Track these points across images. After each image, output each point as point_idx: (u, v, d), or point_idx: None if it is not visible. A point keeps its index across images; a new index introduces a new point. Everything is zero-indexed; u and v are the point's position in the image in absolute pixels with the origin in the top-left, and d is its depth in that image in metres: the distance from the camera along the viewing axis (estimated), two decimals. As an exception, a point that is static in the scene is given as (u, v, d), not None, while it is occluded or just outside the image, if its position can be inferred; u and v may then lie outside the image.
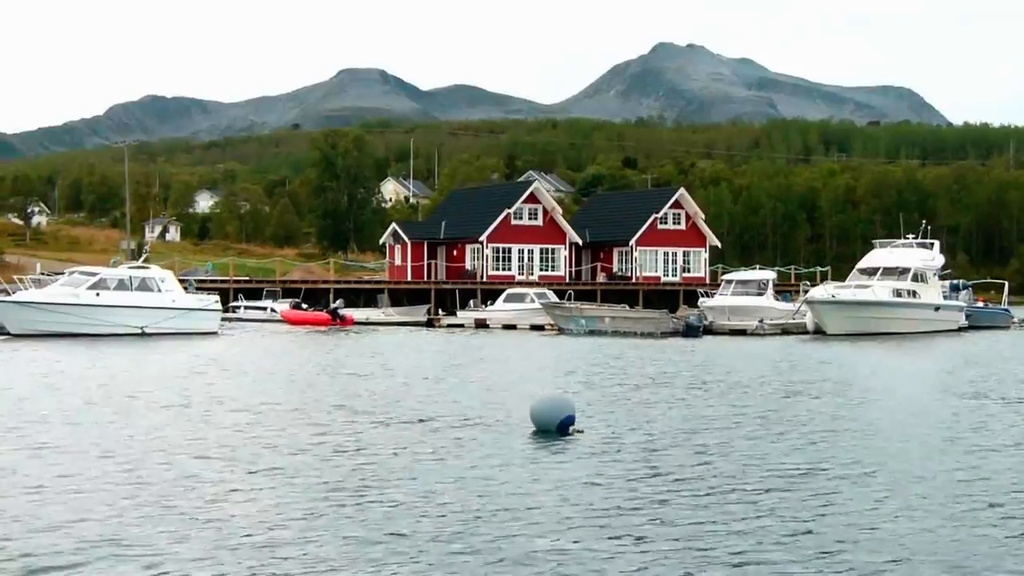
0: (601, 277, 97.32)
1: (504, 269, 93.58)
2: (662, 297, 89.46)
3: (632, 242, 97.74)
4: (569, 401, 21.29)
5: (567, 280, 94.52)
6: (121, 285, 53.04)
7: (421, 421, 22.84)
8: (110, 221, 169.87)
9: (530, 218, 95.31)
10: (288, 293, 77.44)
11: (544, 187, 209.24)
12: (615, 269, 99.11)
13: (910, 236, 68.17)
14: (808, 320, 59.09)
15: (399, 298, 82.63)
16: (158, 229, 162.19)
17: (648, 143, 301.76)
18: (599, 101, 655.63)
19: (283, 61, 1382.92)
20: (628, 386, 30.44)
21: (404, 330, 63.18)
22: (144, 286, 53.33)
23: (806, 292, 61.97)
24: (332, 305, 68.84)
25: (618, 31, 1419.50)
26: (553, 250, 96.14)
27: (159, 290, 53.63)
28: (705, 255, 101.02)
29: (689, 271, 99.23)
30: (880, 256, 66.30)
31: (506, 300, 70.51)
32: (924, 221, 72.08)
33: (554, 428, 20.37)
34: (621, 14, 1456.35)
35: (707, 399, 27.71)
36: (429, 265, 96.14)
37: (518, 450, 18.98)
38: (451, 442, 19.94)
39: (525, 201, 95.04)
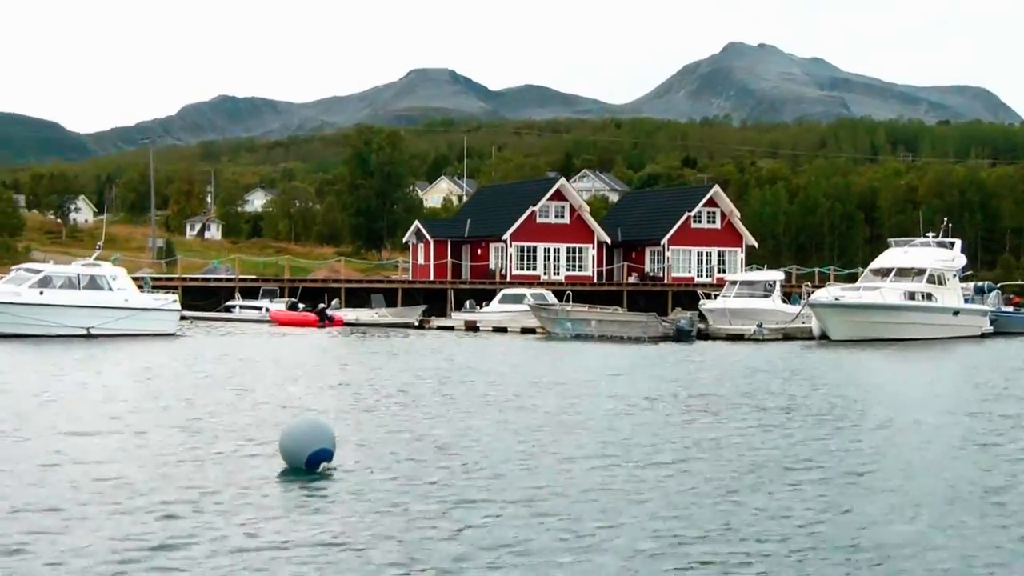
0: (632, 278, 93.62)
1: (529, 269, 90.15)
2: (694, 299, 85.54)
3: (664, 241, 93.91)
4: (323, 430, 16.79)
5: (595, 280, 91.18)
6: (68, 283, 49.91)
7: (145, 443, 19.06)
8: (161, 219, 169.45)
9: (556, 216, 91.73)
10: (291, 292, 74.66)
11: (598, 186, 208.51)
12: (647, 269, 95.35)
13: (930, 234, 63.54)
14: (814, 325, 54.76)
15: (415, 298, 79.53)
16: (198, 227, 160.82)
17: (712, 143, 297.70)
18: (669, 101, 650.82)
19: (354, 61, 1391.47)
20: (481, 402, 26.37)
21: (385, 332, 59.93)
22: (93, 284, 50.26)
23: (810, 294, 57.64)
24: (320, 305, 65.80)
25: (689, 31, 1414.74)
26: (580, 249, 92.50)
27: (110, 288, 50.54)
28: (741, 255, 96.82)
29: (724, 271, 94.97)
30: (894, 256, 61.55)
31: (501, 301, 66.66)
32: (946, 219, 67.11)
33: (302, 464, 16.26)
34: (692, 14, 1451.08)
35: (556, 428, 22.51)
36: (453, 265, 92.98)
37: (210, 499, 14.61)
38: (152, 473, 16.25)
39: (551, 198, 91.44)
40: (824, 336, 53.37)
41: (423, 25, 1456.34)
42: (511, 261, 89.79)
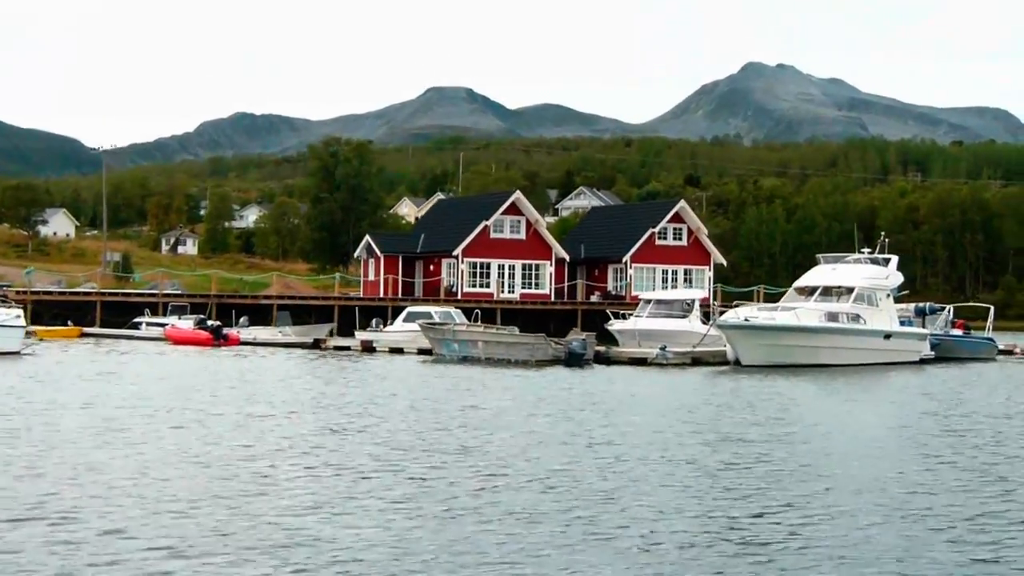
0: (595, 296, 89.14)
1: (482, 286, 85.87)
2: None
3: (626, 258, 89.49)
4: None
5: (552, 298, 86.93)
6: None
7: None
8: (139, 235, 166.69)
9: (512, 231, 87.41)
10: (197, 308, 70.48)
11: (595, 203, 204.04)
12: (609, 287, 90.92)
13: (865, 250, 58.50)
14: (729, 349, 49.80)
15: (352, 315, 75.26)
16: (172, 241, 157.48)
17: (722, 161, 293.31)
18: (686, 121, 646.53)
19: (371, 79, 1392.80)
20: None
21: (273, 352, 55.72)
22: (-77, 300, 46.32)
23: (721, 315, 52.56)
24: (215, 323, 61.50)
25: (707, 51, 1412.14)
26: (537, 266, 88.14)
27: (-61, 304, 46.56)
28: (709, 274, 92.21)
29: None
30: (821, 273, 56.56)
31: (407, 319, 61.52)
32: (883, 234, 62.13)
33: None
34: (711, 34, 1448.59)
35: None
36: (404, 281, 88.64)
37: None
38: None
39: (505, 212, 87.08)
40: (739, 361, 48.56)
41: (440, 43, 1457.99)
42: (463, 278, 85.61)
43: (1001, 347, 63.01)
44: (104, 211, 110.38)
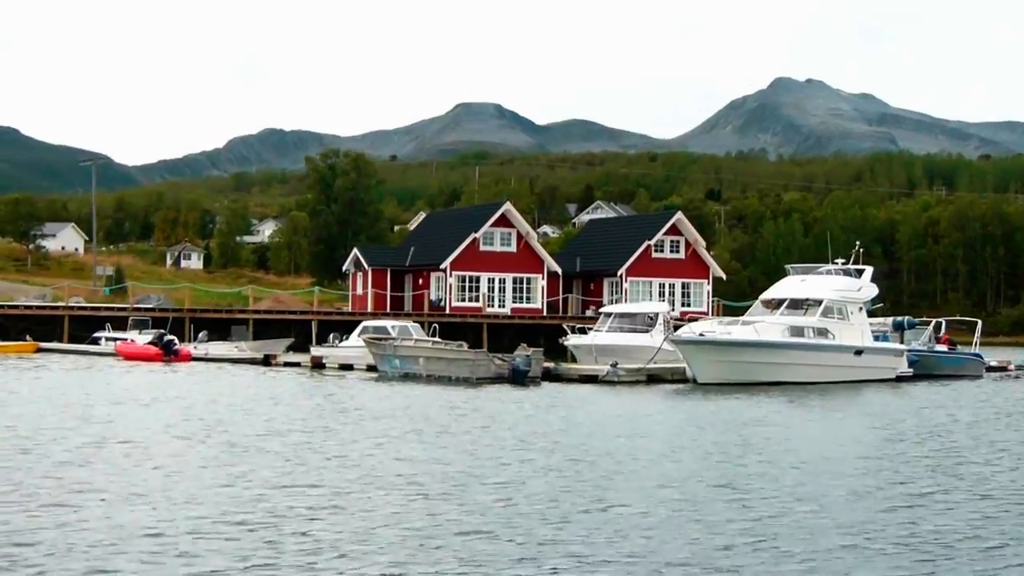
0: (591, 310, 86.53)
1: (472, 300, 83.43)
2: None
3: (621, 272, 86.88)
4: None
5: (544, 312, 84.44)
6: None
7: None
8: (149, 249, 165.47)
9: (502, 244, 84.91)
10: (158, 323, 68.14)
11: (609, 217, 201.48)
12: (604, 301, 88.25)
13: (838, 261, 55.48)
14: (688, 366, 46.69)
15: (332, 330, 72.78)
16: (176, 255, 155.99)
17: (746, 176, 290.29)
18: (715, 136, 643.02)
19: (401, 95, 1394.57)
20: None
21: (219, 368, 53.33)
22: None
23: (677, 328, 49.51)
24: (167, 337, 59.16)
25: (737, 66, 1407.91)
26: (529, 279, 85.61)
27: None
28: (708, 287, 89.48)
29: (688, 305, 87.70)
30: (789, 285, 53.63)
31: (361, 334, 58.70)
32: (858, 243, 59.00)
33: None
34: (740, 49, 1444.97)
35: None
36: (392, 295, 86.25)
37: None
38: None
39: (495, 224, 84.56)
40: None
41: (470, 60, 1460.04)
42: (451, 292, 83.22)
43: (992, 364, 60.00)
44: (93, 224, 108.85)
